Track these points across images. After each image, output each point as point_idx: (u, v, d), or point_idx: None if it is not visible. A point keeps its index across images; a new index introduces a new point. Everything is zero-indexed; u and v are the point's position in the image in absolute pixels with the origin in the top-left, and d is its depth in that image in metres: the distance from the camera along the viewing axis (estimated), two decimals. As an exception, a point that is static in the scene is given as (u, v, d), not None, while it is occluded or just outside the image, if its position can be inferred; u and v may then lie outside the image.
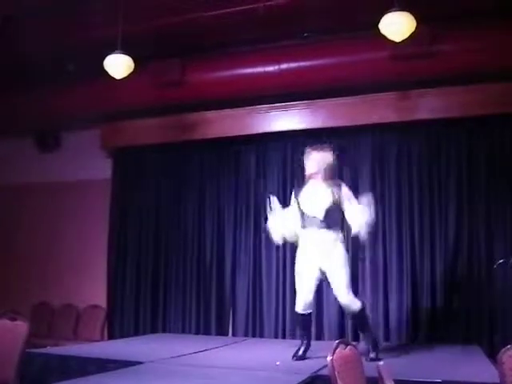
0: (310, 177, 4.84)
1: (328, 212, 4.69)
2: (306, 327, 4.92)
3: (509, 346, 2.87)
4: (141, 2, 5.49)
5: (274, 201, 4.86)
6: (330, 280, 4.70)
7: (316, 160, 4.80)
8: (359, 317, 4.79)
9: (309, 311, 4.83)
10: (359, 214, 4.67)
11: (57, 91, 6.84)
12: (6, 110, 7.12)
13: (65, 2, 5.62)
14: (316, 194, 4.75)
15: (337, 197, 4.72)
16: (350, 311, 4.74)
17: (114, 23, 5.20)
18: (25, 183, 7.82)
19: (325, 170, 4.77)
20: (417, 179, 6.32)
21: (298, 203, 4.83)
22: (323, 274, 4.72)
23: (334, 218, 4.74)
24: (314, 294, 4.79)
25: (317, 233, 4.69)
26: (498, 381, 2.89)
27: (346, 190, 4.79)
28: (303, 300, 4.75)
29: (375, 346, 4.73)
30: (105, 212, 7.49)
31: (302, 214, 4.76)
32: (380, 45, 5.32)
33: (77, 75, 6.58)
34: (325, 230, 4.68)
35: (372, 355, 4.58)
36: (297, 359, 4.64)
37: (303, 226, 4.77)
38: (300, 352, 4.70)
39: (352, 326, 4.93)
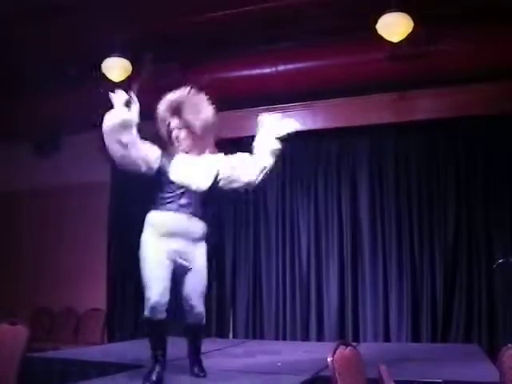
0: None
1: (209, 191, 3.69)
2: (162, 339, 3.60)
3: (509, 345, 2.88)
4: (139, 6, 5.48)
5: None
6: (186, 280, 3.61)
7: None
8: (200, 332, 3.89)
9: (163, 316, 3.49)
10: None
11: (56, 95, 6.84)
12: (3, 114, 7.12)
13: (65, 5, 5.61)
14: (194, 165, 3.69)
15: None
16: (198, 322, 3.74)
17: (114, 27, 5.21)
18: (24, 188, 7.81)
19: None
20: (415, 180, 6.34)
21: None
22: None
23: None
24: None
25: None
26: (498, 380, 2.89)
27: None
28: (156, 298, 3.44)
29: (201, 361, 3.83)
30: (104, 215, 7.49)
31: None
32: (377, 45, 5.34)
33: (77, 79, 6.57)
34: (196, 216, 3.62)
35: (198, 371, 3.75)
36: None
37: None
38: (153, 377, 3.47)
39: (192, 337, 3.76)
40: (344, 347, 2.68)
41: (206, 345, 5.81)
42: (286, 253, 6.65)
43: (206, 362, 4.79)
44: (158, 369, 3.52)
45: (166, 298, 3.44)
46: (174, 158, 3.56)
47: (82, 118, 7.20)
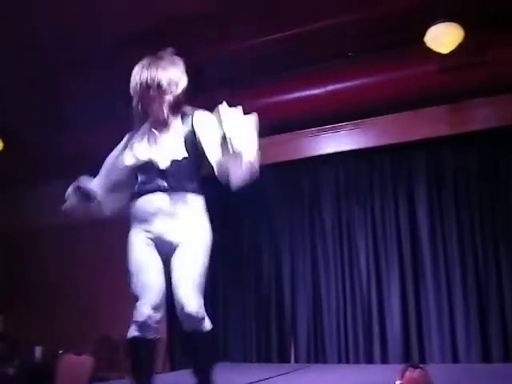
0: None
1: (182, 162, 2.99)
2: (149, 364, 2.87)
3: None
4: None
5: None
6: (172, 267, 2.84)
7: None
8: (206, 340, 2.86)
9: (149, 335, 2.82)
10: None
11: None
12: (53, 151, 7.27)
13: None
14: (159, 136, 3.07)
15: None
16: (195, 327, 2.77)
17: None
18: (74, 221, 7.94)
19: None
20: (476, 191, 6.13)
21: None
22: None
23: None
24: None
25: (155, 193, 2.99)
26: None
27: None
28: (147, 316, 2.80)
29: None
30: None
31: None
32: (427, 58, 5.24)
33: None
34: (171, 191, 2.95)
35: None
36: None
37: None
38: None
39: (192, 354, 2.91)
40: (412, 369, 2.58)
41: (267, 371, 5.77)
42: (345, 271, 6.54)
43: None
44: None
45: (160, 313, 2.83)
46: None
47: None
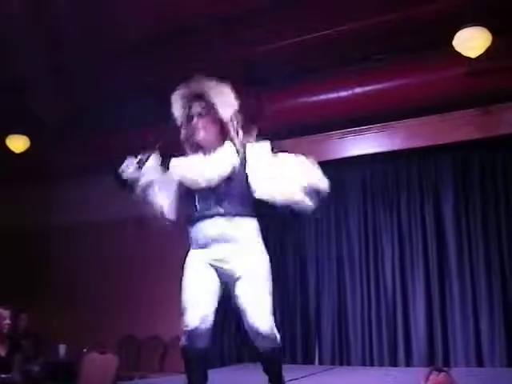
0: None
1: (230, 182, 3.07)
2: (201, 370, 3.03)
3: None
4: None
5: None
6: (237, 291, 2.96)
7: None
8: (276, 358, 3.06)
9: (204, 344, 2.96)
10: None
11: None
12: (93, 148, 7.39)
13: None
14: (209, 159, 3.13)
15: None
16: (270, 346, 2.95)
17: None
18: (105, 219, 8.06)
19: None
20: (503, 195, 6.09)
21: None
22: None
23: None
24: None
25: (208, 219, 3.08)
26: None
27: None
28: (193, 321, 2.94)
29: None
30: (186, 240, 7.58)
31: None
32: (455, 61, 5.23)
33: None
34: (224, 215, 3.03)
35: None
36: None
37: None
38: None
39: (267, 370, 3.05)
40: (437, 373, 2.60)
41: (292, 371, 5.80)
42: (370, 274, 6.54)
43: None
44: None
45: (208, 323, 2.93)
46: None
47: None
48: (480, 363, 5.87)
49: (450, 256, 6.23)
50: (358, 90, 6.01)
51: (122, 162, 3.06)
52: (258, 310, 2.87)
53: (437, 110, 6.09)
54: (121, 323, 7.73)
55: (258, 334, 2.88)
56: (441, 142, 6.18)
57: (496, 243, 6.05)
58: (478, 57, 4.98)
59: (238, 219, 2.92)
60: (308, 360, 6.77)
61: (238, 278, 2.91)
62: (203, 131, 2.96)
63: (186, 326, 2.91)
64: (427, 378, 2.42)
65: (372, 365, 6.34)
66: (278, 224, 6.88)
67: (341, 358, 6.58)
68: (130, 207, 8.04)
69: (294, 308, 6.94)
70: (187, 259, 3.08)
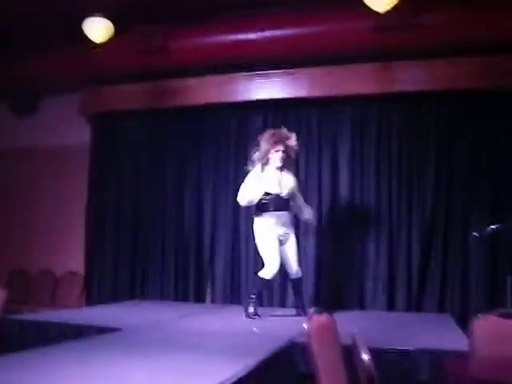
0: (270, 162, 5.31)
1: (290, 195, 5.36)
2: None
3: (479, 315, 2.96)
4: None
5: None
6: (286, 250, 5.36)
7: (289, 148, 5.33)
8: (300, 280, 5.52)
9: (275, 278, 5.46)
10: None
11: (35, 55, 6.70)
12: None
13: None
14: (282, 177, 5.31)
15: (295, 184, 5.41)
16: (297, 276, 5.43)
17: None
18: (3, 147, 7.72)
19: (291, 158, 5.44)
20: (396, 152, 6.35)
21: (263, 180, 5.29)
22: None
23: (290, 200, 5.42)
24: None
25: (280, 211, 5.27)
26: (467, 349, 2.97)
27: (295, 181, 5.47)
28: (276, 269, 5.25)
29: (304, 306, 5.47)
30: (83, 178, 7.41)
31: (267, 193, 5.26)
32: (363, 15, 5.28)
33: (56, 39, 6.43)
34: (287, 211, 5.34)
35: (301, 311, 5.38)
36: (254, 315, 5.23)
37: (267, 204, 5.26)
38: (252, 309, 5.27)
39: (293, 290, 5.61)
40: (320, 314, 2.70)
41: (183, 309, 5.90)
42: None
43: (183, 327, 4.84)
44: (255, 305, 5.29)
45: (279, 266, 5.25)
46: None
47: (62, 79, 7.11)
48: (363, 307, 6.24)
49: (343, 210, 6.49)
50: (267, 33, 5.98)
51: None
52: (295, 259, 5.44)
53: (340, 61, 6.19)
54: (12, 257, 7.51)
55: (292, 269, 5.41)
56: (341, 94, 6.31)
57: (386, 198, 6.35)
58: (385, 13, 5.05)
59: (290, 213, 5.45)
60: (200, 299, 6.87)
61: (286, 242, 5.38)
62: (280, 158, 5.33)
63: (271, 268, 5.22)
64: (311, 318, 2.52)
65: (261, 306, 6.52)
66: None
67: (232, 298, 6.71)
68: (28, 138, 7.72)
69: (188, 247, 6.99)
70: (265, 231, 5.31)
